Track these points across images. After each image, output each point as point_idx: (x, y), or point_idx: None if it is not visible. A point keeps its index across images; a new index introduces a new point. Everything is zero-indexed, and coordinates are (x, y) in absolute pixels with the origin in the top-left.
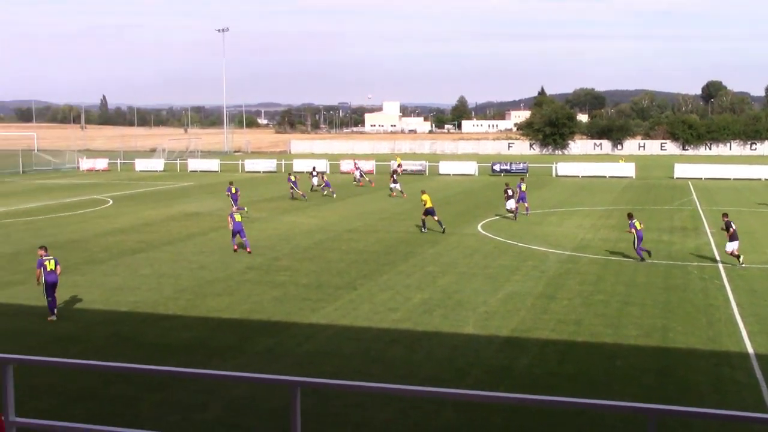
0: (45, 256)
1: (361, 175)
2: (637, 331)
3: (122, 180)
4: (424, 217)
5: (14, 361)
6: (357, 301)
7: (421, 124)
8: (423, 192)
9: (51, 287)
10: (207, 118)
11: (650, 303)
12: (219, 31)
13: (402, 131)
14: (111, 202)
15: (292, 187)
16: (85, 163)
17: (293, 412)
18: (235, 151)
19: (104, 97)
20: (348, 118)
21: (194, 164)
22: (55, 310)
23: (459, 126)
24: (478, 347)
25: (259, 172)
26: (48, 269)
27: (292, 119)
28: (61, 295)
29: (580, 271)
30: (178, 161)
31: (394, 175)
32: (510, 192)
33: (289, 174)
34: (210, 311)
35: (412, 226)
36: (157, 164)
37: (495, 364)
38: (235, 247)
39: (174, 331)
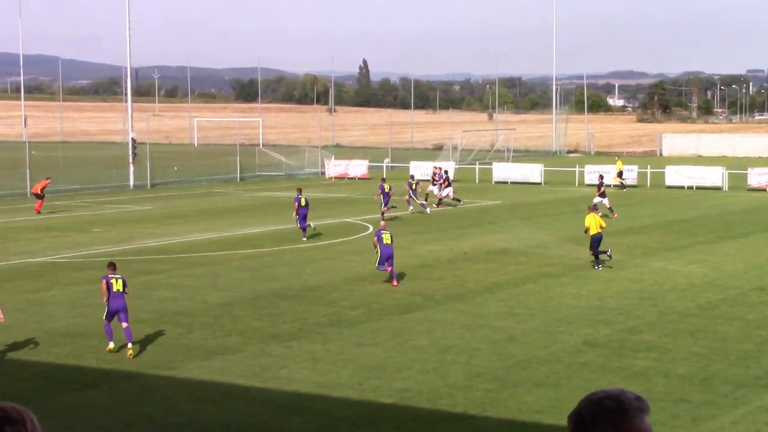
0: (112, 275)
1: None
2: None
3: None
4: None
5: None
6: None
7: None
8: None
9: (114, 314)
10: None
11: None
12: None
13: None
14: (371, 228)
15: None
16: (334, 166)
17: None
18: (569, 152)
19: (364, 62)
20: None
21: (504, 172)
22: (129, 343)
23: None
24: None
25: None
26: (114, 290)
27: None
28: (293, 372)
29: None
30: (490, 163)
31: (602, 187)
32: None
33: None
34: (521, 411)
35: None
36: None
37: None
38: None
39: None
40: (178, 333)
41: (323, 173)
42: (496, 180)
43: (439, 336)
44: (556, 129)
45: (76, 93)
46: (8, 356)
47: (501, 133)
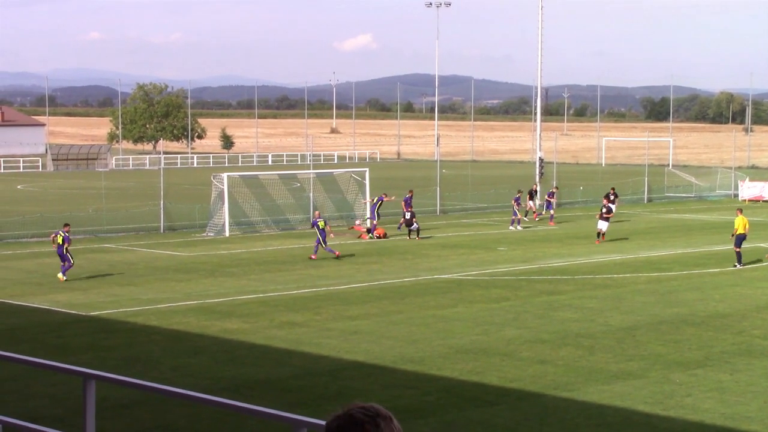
0: (61, 231)
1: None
2: None
3: None
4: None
5: None
6: None
7: None
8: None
9: (60, 256)
10: None
11: None
12: None
13: None
14: None
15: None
16: (748, 188)
17: None
18: None
19: None
20: None
21: None
22: (64, 273)
23: None
24: None
25: None
26: (55, 243)
27: None
28: (697, 402)
29: None
30: None
31: None
32: None
33: None
34: None
35: None
36: None
37: None
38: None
39: None
40: (579, 355)
41: (736, 195)
42: None
43: None
44: None
45: (486, 112)
46: (415, 370)
47: None
